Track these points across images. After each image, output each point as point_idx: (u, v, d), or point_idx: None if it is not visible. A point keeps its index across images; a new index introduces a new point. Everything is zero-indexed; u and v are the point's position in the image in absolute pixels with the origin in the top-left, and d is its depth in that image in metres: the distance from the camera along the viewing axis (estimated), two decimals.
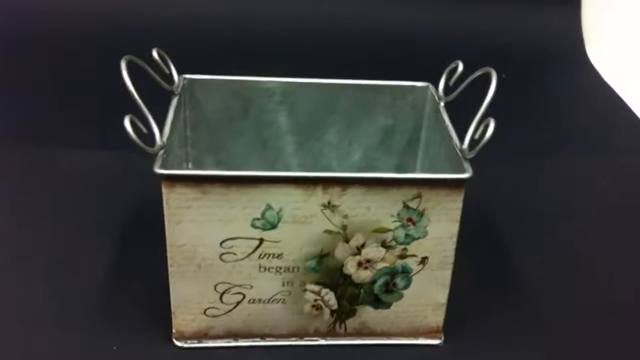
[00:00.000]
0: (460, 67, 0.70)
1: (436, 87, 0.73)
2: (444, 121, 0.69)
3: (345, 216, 0.61)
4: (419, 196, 0.60)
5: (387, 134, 0.77)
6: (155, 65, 0.68)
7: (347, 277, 0.64)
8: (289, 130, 0.76)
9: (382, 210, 0.61)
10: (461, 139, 0.64)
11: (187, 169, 0.76)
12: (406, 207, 0.61)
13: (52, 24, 1.19)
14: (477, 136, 0.61)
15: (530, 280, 0.76)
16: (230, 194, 0.59)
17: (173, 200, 0.59)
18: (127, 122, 0.57)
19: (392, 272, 0.64)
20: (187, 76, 0.72)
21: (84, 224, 0.80)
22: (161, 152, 0.60)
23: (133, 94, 0.59)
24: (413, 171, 0.79)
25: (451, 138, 0.66)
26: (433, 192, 0.60)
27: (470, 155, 0.61)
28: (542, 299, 0.73)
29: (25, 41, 1.18)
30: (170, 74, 0.69)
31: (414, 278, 0.64)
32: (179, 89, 0.70)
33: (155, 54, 0.67)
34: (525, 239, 0.82)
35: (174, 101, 0.68)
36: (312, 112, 0.75)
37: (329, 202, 0.60)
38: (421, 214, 0.61)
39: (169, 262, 0.62)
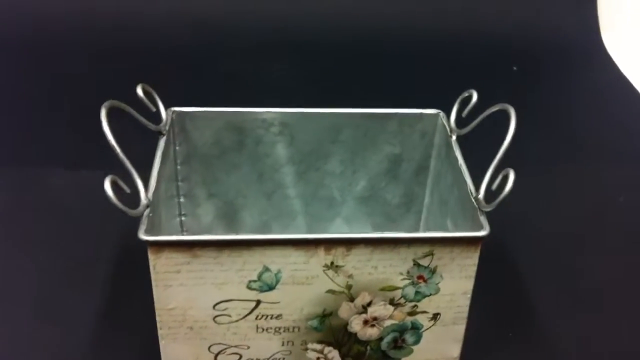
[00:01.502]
0: (475, 98, 0.64)
1: (447, 113, 0.68)
2: (456, 159, 0.63)
3: (350, 276, 0.55)
4: (430, 254, 0.55)
5: (394, 162, 0.71)
6: (141, 101, 0.62)
7: (352, 335, 0.59)
8: (287, 161, 0.70)
9: (391, 269, 0.55)
10: (475, 181, 0.59)
11: (178, 203, 0.71)
12: (417, 264, 0.55)
13: (39, 35, 1.11)
14: (494, 186, 0.56)
15: (548, 321, 0.71)
16: (222, 257, 0.53)
17: (161, 265, 0.53)
18: (107, 185, 0.51)
19: (401, 329, 0.59)
20: (176, 109, 0.67)
21: (70, 258, 0.75)
22: (147, 211, 0.54)
23: (115, 149, 0.53)
24: (422, 201, 0.73)
25: (465, 182, 0.60)
26: (446, 250, 0.55)
27: (488, 209, 0.56)
28: (561, 345, 0.68)
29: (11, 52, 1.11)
30: (158, 111, 0.63)
31: (425, 334, 0.59)
32: (167, 127, 0.64)
33: (140, 90, 0.61)
34: (539, 269, 0.76)
35: (162, 143, 0.62)
36: (312, 142, 0.70)
37: (332, 263, 0.55)
38: (433, 271, 0.56)
39: (158, 324, 0.57)
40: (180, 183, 0.70)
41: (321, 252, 0.54)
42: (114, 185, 0.52)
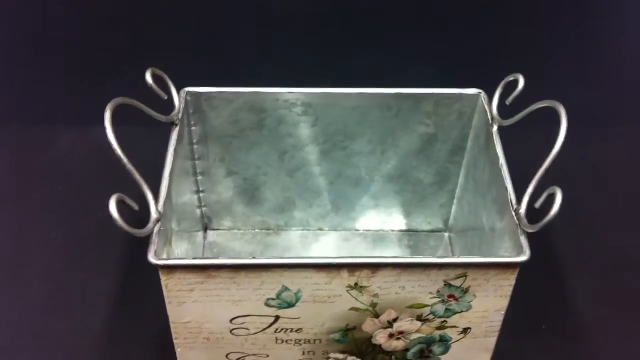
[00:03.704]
0: (521, 84, 0.58)
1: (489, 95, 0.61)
2: (497, 157, 0.57)
3: (376, 295, 0.52)
4: (464, 276, 0.51)
5: (427, 142, 0.66)
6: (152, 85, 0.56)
7: (377, 346, 0.56)
8: (311, 140, 0.65)
9: (420, 289, 0.51)
10: (515, 178, 0.54)
11: (196, 181, 0.67)
12: (448, 285, 0.51)
13: None
14: (537, 205, 0.50)
15: (586, 324, 0.66)
16: (239, 277, 0.50)
17: (173, 284, 0.50)
18: (112, 205, 0.47)
19: (429, 342, 0.56)
20: (191, 90, 0.61)
21: (82, 235, 0.71)
22: (157, 227, 0.50)
23: (122, 159, 0.49)
24: (456, 180, 0.68)
25: (505, 188, 0.55)
26: (481, 272, 0.50)
27: (531, 230, 0.50)
28: (596, 337, 0.65)
29: None
30: (170, 97, 0.58)
31: (454, 345, 0.56)
32: (180, 115, 0.59)
33: (149, 77, 0.55)
34: (578, 259, 0.71)
35: (174, 135, 0.57)
36: (338, 123, 0.64)
37: (356, 284, 0.51)
38: (465, 291, 0.52)
39: (174, 335, 0.54)
40: (197, 162, 0.66)
41: (345, 274, 0.50)
42: (121, 204, 0.47)
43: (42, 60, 0.86)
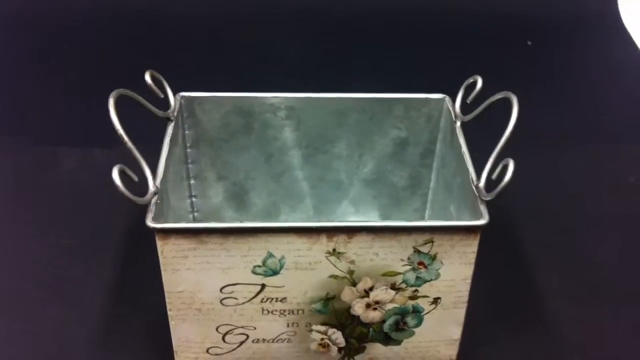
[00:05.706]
0: (480, 84, 0.65)
1: (452, 98, 0.68)
2: (460, 146, 0.64)
3: (352, 262, 0.57)
4: (430, 241, 0.56)
5: (400, 145, 0.72)
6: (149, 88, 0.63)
7: (356, 318, 0.61)
8: (295, 144, 0.72)
9: (392, 255, 0.57)
10: (479, 169, 0.60)
11: (188, 185, 0.73)
12: (417, 251, 0.57)
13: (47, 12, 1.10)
14: (494, 176, 0.57)
15: (551, 304, 0.72)
16: (228, 243, 0.55)
17: (168, 250, 0.55)
18: (115, 175, 0.53)
19: (403, 312, 0.61)
20: (185, 94, 0.68)
21: (81, 238, 0.77)
22: (154, 198, 0.56)
23: (123, 137, 0.55)
24: (428, 184, 0.74)
25: (467, 169, 0.61)
26: (446, 237, 0.56)
27: (487, 198, 0.56)
28: (563, 327, 0.70)
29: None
30: (166, 97, 0.65)
31: (426, 317, 0.61)
32: (175, 113, 0.65)
33: (148, 77, 0.62)
34: (545, 250, 0.77)
35: (170, 129, 0.64)
36: (319, 126, 0.71)
37: (334, 250, 0.56)
38: (433, 258, 0.57)
39: (168, 306, 0.59)
40: (190, 165, 0.72)
41: (323, 239, 0.55)
42: (122, 174, 0.53)
43: (53, 85, 0.93)
